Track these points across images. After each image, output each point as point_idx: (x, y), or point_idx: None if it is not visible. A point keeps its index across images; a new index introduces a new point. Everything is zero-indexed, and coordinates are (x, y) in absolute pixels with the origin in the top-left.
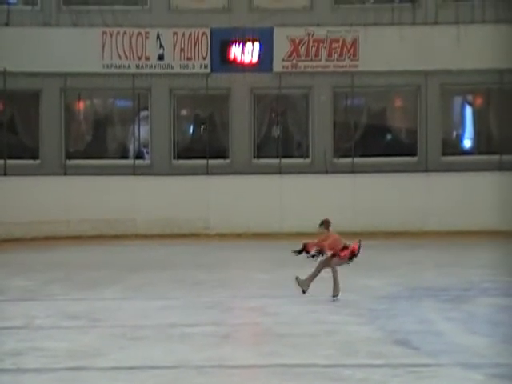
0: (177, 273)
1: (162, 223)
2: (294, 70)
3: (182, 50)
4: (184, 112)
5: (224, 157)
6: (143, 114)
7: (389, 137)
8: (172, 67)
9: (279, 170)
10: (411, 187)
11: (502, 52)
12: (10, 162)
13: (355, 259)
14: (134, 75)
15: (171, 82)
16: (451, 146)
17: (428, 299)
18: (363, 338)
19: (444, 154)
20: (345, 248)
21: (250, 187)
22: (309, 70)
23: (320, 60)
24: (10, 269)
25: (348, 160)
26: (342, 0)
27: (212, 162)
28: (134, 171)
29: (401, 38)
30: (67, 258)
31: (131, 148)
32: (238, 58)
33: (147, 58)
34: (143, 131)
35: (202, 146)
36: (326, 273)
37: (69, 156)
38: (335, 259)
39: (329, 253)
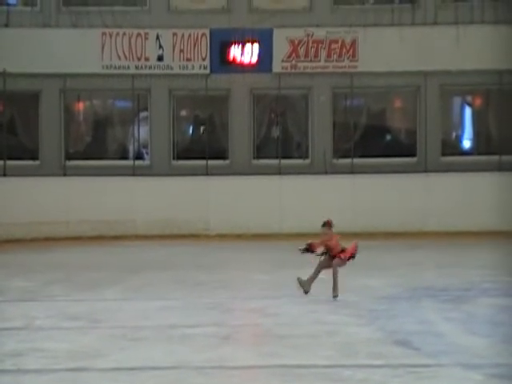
0: (177, 274)
1: (161, 224)
2: (293, 70)
3: (181, 50)
4: (183, 113)
5: (223, 157)
6: (143, 114)
7: (388, 137)
8: (171, 68)
9: (279, 171)
10: (411, 188)
11: (502, 53)
12: (9, 162)
13: (353, 260)
14: (133, 76)
15: (171, 83)
16: (451, 147)
17: (428, 300)
18: (363, 338)
19: (443, 154)
20: (343, 250)
21: (249, 188)
22: (308, 70)
23: (319, 61)
24: (10, 269)
25: (347, 161)
26: (342, 1)
27: (212, 162)
28: (134, 172)
29: (400, 39)
30: (67, 259)
31: (131, 149)
32: (238, 59)
33: (147, 59)
34: (143, 132)
35: (201, 147)
36: (326, 274)
37: (68, 157)
38: (337, 260)
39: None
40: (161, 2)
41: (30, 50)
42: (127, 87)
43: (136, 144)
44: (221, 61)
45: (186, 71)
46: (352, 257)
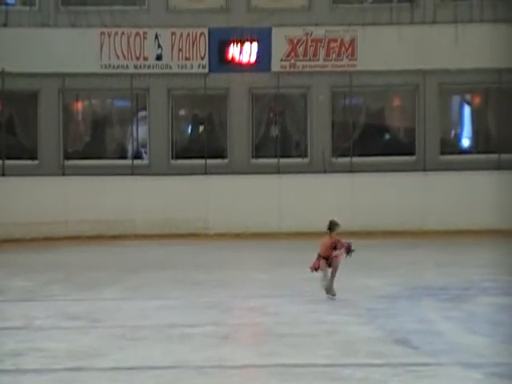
0: (176, 273)
1: (160, 223)
2: (292, 69)
3: (180, 50)
4: (182, 112)
5: (222, 157)
6: (141, 114)
7: (387, 136)
8: (170, 67)
9: (277, 170)
10: (410, 186)
11: (501, 51)
12: (8, 162)
13: (349, 257)
14: (132, 75)
15: (169, 82)
16: (449, 146)
17: (427, 298)
18: (363, 337)
19: (442, 153)
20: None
21: (248, 187)
22: (307, 69)
23: (318, 60)
24: (10, 269)
25: (346, 159)
26: (340, 0)
27: (210, 161)
28: (133, 171)
29: (399, 38)
30: (66, 259)
31: (129, 148)
32: (236, 58)
33: (145, 59)
34: (141, 131)
35: (200, 146)
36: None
37: (67, 156)
38: (337, 260)
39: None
40: (159, 2)
41: (29, 49)
42: (126, 87)
43: (135, 143)
44: (219, 60)
45: (184, 70)
46: (348, 252)
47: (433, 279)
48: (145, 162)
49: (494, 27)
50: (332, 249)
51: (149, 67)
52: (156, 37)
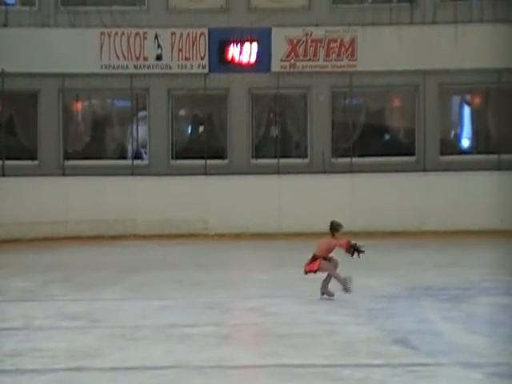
0: (176, 273)
1: (160, 223)
2: (292, 70)
3: (180, 50)
4: (182, 112)
5: (222, 157)
6: (141, 114)
7: (387, 136)
8: (170, 67)
9: (277, 170)
10: (409, 187)
11: (501, 51)
12: (8, 162)
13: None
14: (132, 75)
15: (169, 83)
16: (449, 146)
17: (427, 299)
18: (363, 337)
19: (442, 153)
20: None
21: (248, 187)
22: (307, 69)
23: (318, 60)
24: (9, 269)
25: (346, 160)
26: (340, 0)
27: (210, 162)
28: (133, 172)
29: (399, 38)
30: (66, 259)
31: (129, 148)
32: (236, 58)
33: (145, 59)
34: (141, 131)
35: (200, 147)
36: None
37: (67, 157)
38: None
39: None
40: (159, 2)
41: (29, 49)
42: (126, 87)
43: (135, 144)
44: (219, 60)
45: (184, 71)
46: (353, 253)
47: (432, 279)
48: (145, 162)
49: (494, 27)
50: (331, 251)
51: (149, 67)
52: (156, 37)
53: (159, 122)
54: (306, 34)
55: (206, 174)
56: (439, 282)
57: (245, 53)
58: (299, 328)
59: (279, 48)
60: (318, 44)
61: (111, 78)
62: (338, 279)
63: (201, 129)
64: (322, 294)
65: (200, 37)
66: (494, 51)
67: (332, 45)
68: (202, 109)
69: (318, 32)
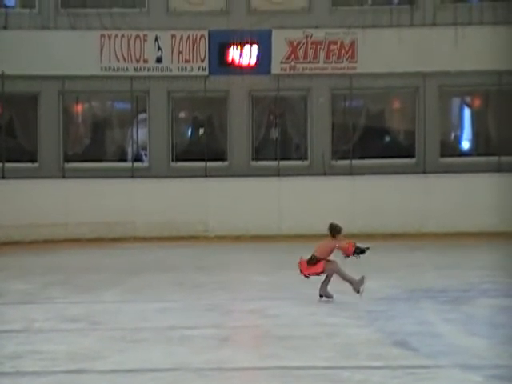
0: (176, 275)
1: (160, 226)
2: (292, 72)
3: (180, 52)
4: (182, 114)
5: (222, 159)
6: (141, 116)
7: (387, 138)
8: (170, 70)
9: (278, 173)
10: (410, 189)
11: (501, 53)
12: (8, 165)
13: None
14: (132, 78)
15: (169, 85)
16: (449, 148)
17: (427, 301)
18: (362, 339)
19: (442, 155)
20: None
21: (248, 189)
22: (307, 72)
23: (318, 62)
24: (9, 272)
25: (346, 162)
26: (340, 2)
27: (210, 164)
28: (133, 174)
29: (399, 40)
30: (66, 261)
31: (129, 151)
32: (237, 61)
33: (145, 61)
34: (141, 134)
35: (200, 149)
36: (322, 276)
37: (67, 159)
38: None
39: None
40: (159, 4)
41: (29, 51)
42: (126, 89)
43: (135, 146)
44: (219, 62)
45: (184, 73)
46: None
47: (432, 281)
48: (145, 164)
49: (494, 29)
50: (331, 253)
51: (149, 69)
52: (156, 39)
53: (159, 124)
54: (306, 36)
55: (206, 176)
56: (439, 283)
57: (245, 55)
58: (299, 330)
59: (279, 50)
60: (318, 46)
61: (111, 80)
62: (348, 279)
63: (201, 131)
64: (321, 296)
65: (200, 39)
66: (494, 53)
67: (332, 47)
68: (202, 111)
69: (318, 34)
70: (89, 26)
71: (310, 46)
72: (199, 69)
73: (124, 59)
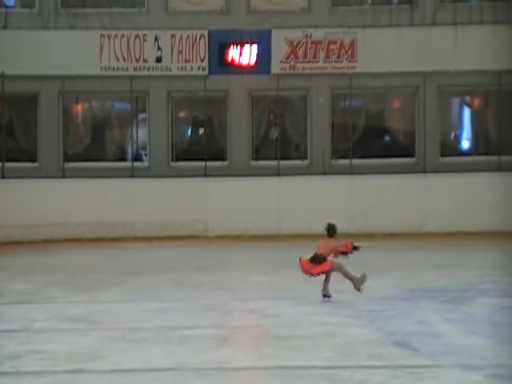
0: (176, 275)
1: (160, 225)
2: (292, 71)
3: (179, 52)
4: (182, 114)
5: (222, 159)
6: (141, 116)
7: (387, 138)
8: (170, 69)
9: (277, 172)
10: (409, 188)
11: (500, 53)
12: (8, 164)
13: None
14: (131, 77)
15: (169, 84)
16: (449, 147)
17: (427, 300)
18: (362, 339)
19: (442, 155)
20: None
21: (248, 189)
22: (307, 71)
23: (318, 62)
24: (9, 272)
25: (346, 161)
26: (340, 2)
27: (210, 164)
28: (133, 174)
29: (399, 40)
30: (66, 261)
31: (129, 150)
32: (236, 60)
33: (145, 61)
34: (141, 133)
35: (200, 148)
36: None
37: (67, 159)
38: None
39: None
40: (159, 4)
41: (29, 51)
42: (125, 89)
43: (134, 146)
44: (219, 62)
45: (184, 72)
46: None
47: (432, 281)
48: (145, 164)
49: (494, 29)
50: (333, 251)
51: (148, 69)
52: (156, 39)
53: (159, 123)
54: (306, 36)
55: (205, 175)
56: (439, 283)
57: (245, 55)
58: (299, 330)
59: (279, 50)
60: (318, 46)
61: (111, 80)
62: (350, 277)
63: (201, 131)
64: (324, 296)
65: (200, 39)
66: (494, 53)
67: (332, 46)
68: (202, 111)
69: (318, 34)
70: (88, 26)
71: (309, 45)
72: (199, 68)
73: (124, 59)
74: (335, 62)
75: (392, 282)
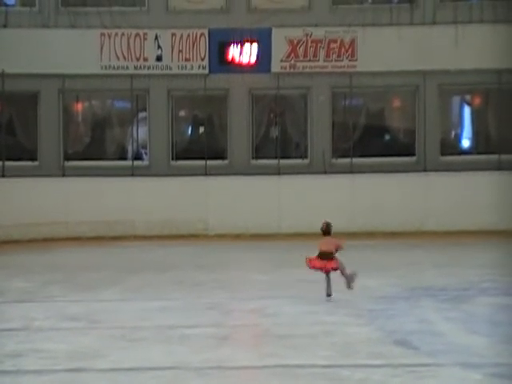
0: (176, 274)
1: (160, 224)
2: (292, 70)
3: (180, 51)
4: (182, 113)
5: (222, 157)
6: (141, 115)
7: (387, 137)
8: (170, 68)
9: (278, 171)
10: (410, 187)
11: (501, 52)
12: (8, 163)
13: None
14: (132, 76)
15: (169, 83)
16: (450, 146)
17: (427, 299)
18: (363, 338)
19: (442, 153)
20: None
21: (248, 188)
22: (307, 70)
23: (318, 60)
24: (9, 270)
25: (346, 160)
26: (340, 0)
27: (210, 162)
28: (133, 172)
29: (399, 39)
30: (66, 260)
31: (129, 149)
32: (237, 59)
33: (145, 59)
34: (141, 132)
35: (200, 147)
36: (320, 274)
37: (67, 157)
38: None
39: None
40: (159, 3)
41: (29, 50)
42: (126, 87)
43: (135, 144)
44: (219, 61)
45: (184, 71)
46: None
47: (432, 280)
48: (145, 162)
49: (494, 28)
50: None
51: (149, 68)
52: (156, 38)
53: (159, 122)
54: (306, 35)
55: (206, 174)
56: (439, 282)
57: (245, 53)
58: (299, 329)
59: (279, 48)
60: (318, 44)
61: (111, 78)
62: (346, 275)
63: (201, 129)
64: (329, 295)
65: (200, 37)
66: (494, 52)
67: (332, 45)
68: (202, 109)
69: (318, 32)
70: (89, 25)
71: (310, 44)
72: (199, 67)
73: (124, 58)
74: (335, 60)
75: (392, 280)
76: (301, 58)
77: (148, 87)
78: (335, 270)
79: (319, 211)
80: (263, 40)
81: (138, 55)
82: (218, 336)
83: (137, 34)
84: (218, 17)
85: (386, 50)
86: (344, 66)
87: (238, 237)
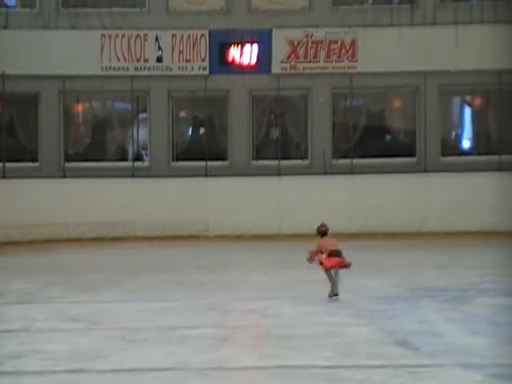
0: (176, 275)
1: (161, 225)
2: (292, 71)
3: (180, 52)
4: (183, 114)
5: (223, 158)
6: (142, 116)
7: (388, 138)
8: (171, 69)
9: (278, 172)
10: (410, 188)
11: (501, 52)
12: (8, 164)
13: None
14: (132, 77)
15: (170, 84)
16: (450, 147)
17: (427, 300)
18: (363, 339)
19: (443, 154)
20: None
21: (248, 189)
22: (307, 71)
23: (319, 61)
24: (10, 272)
25: (347, 161)
26: (341, 1)
27: (211, 163)
28: (133, 173)
29: (399, 39)
30: (66, 261)
31: (130, 150)
32: (237, 60)
33: (146, 60)
34: (142, 133)
35: (200, 148)
36: (320, 274)
37: (68, 158)
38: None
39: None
40: (160, 4)
41: (29, 51)
42: (126, 89)
43: (135, 145)
44: (220, 62)
45: (185, 72)
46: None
47: (433, 280)
48: (145, 164)
49: (495, 28)
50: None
51: (149, 69)
52: (156, 39)
53: (160, 123)
54: (307, 36)
55: (206, 175)
56: (439, 282)
57: (245, 54)
58: (299, 329)
59: (280, 49)
60: (319, 45)
61: (112, 79)
62: (333, 281)
63: (201, 130)
64: (336, 295)
65: (200, 38)
66: (495, 52)
67: (332, 46)
68: (203, 110)
69: (319, 33)
70: (89, 26)
71: (310, 45)
72: (200, 68)
73: (124, 59)
74: (336, 61)
75: (393, 281)
76: (301, 59)
77: (148, 88)
78: (349, 265)
79: (320, 212)
80: (264, 41)
81: (138, 56)
82: (219, 337)
83: (137, 35)
84: (219, 18)
85: (387, 51)
86: (344, 67)
87: (238, 238)
